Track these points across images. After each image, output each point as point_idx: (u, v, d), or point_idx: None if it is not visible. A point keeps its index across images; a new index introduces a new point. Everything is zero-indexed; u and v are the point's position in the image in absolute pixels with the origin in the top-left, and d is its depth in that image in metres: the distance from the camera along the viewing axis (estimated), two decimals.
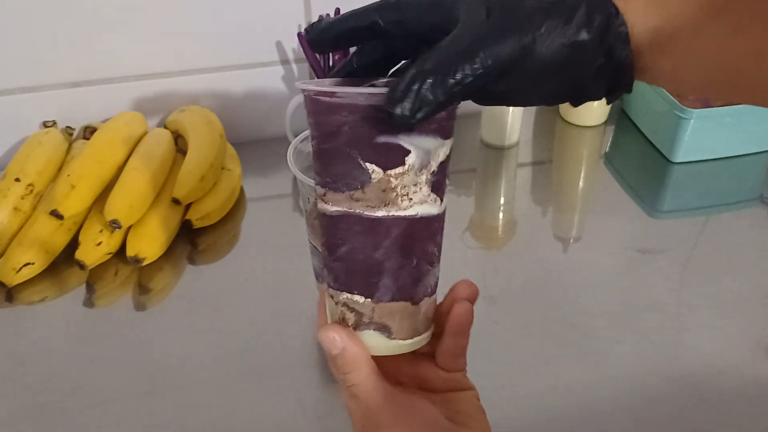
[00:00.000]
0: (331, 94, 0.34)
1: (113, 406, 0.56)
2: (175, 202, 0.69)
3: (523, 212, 0.77)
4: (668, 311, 0.64)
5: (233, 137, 0.81)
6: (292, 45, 0.80)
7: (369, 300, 0.37)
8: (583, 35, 0.31)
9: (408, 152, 0.34)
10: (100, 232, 0.66)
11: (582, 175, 0.84)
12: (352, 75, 0.39)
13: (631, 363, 0.59)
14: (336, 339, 0.36)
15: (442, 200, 0.37)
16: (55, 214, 0.65)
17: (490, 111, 0.83)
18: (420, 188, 0.35)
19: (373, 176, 0.34)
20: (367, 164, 0.34)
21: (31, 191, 0.69)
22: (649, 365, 0.59)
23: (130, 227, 0.68)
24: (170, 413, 0.56)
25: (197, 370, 0.59)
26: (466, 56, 0.31)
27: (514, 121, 0.83)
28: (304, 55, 0.77)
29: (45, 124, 0.78)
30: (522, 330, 0.62)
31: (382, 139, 0.34)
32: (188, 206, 0.72)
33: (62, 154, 0.74)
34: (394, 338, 0.38)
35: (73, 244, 0.67)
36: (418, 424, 0.37)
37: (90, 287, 0.67)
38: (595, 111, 0.88)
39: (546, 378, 0.58)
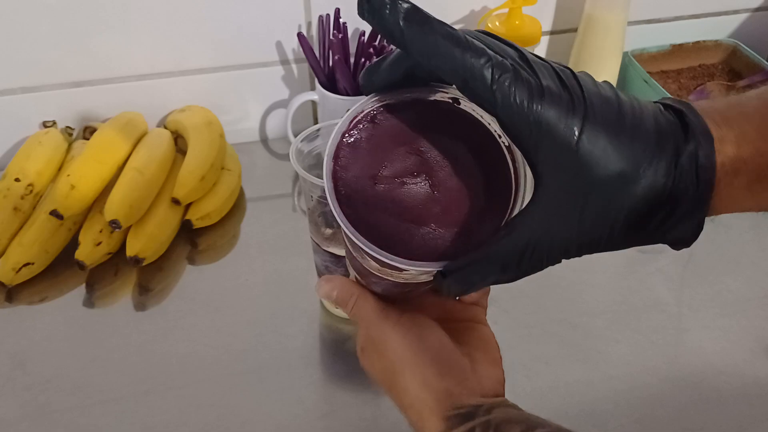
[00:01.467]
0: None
1: (113, 406, 0.56)
2: (175, 202, 0.69)
3: None
4: (668, 311, 0.64)
5: (233, 137, 0.81)
6: (292, 45, 0.80)
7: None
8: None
9: (402, 269, 0.34)
10: (100, 232, 0.66)
11: None
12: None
13: (631, 363, 0.59)
14: (327, 285, 0.40)
15: None
16: (55, 214, 0.65)
17: None
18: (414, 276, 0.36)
19: (368, 265, 0.37)
20: (367, 258, 0.36)
21: (31, 191, 0.69)
22: (649, 365, 0.59)
23: (130, 227, 0.68)
24: (170, 413, 0.56)
25: (197, 370, 0.59)
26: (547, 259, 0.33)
27: None
28: (304, 55, 0.76)
29: (45, 124, 0.78)
30: (522, 330, 0.62)
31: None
32: (188, 206, 0.72)
33: (62, 154, 0.74)
34: None
35: (73, 244, 0.67)
36: (425, 346, 0.38)
37: (90, 287, 0.67)
38: None
39: (546, 378, 0.58)
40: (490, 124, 0.34)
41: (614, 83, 0.85)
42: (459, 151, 0.34)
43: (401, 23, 0.29)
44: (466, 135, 0.34)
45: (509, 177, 0.34)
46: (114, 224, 0.65)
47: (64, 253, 0.68)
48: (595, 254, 0.35)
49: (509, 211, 0.33)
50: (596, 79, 0.32)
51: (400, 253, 0.33)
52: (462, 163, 0.34)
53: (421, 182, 0.34)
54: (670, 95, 0.78)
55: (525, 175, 0.33)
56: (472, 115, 0.34)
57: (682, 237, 0.32)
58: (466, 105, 0.34)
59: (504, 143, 0.34)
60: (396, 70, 0.33)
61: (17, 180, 0.68)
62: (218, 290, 0.66)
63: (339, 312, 0.62)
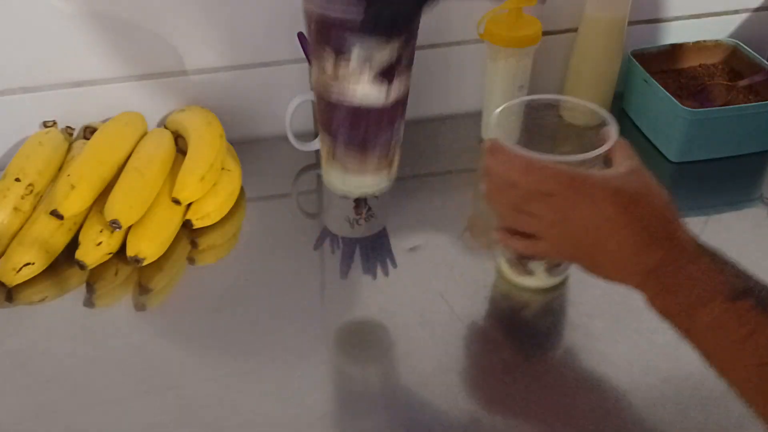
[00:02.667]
0: None
1: (113, 406, 0.56)
2: (175, 202, 0.69)
3: None
4: None
5: (233, 137, 0.81)
6: (292, 45, 0.80)
7: (333, 142, 0.55)
8: None
9: (353, 47, 0.47)
10: (100, 232, 0.66)
11: None
12: None
13: (631, 363, 0.59)
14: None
15: (387, 96, 0.51)
16: (55, 214, 0.65)
17: (490, 110, 0.83)
18: (363, 81, 0.49)
19: (328, 62, 0.49)
20: (327, 49, 0.48)
21: (31, 191, 0.69)
22: (649, 365, 0.59)
23: (130, 227, 0.68)
24: (170, 413, 0.56)
25: (197, 370, 0.59)
26: None
27: (514, 121, 0.83)
28: (304, 55, 0.76)
29: (45, 124, 0.78)
30: None
31: (336, 33, 0.47)
32: (188, 206, 0.72)
33: (62, 154, 0.74)
34: (348, 175, 0.57)
35: (73, 244, 0.67)
36: None
37: (90, 287, 0.67)
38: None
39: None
40: None
41: (614, 83, 0.85)
42: None
43: None
44: None
45: None
46: (114, 224, 0.65)
47: (64, 253, 0.68)
48: None
49: None
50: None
51: None
52: None
53: None
54: (670, 95, 0.78)
55: None
56: None
57: None
58: None
59: None
60: None
61: (17, 180, 0.68)
62: (218, 290, 0.66)
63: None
